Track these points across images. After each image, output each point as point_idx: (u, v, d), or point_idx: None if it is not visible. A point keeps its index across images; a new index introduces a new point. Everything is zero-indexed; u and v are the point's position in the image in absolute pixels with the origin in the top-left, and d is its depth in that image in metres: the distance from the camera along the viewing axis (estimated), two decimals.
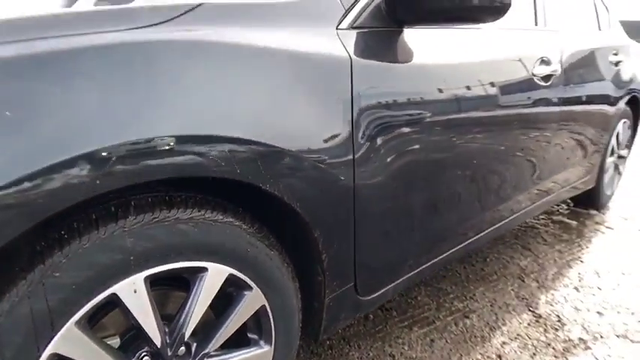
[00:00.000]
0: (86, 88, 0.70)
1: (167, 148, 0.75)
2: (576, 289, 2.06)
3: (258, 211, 1.00)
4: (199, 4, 0.92)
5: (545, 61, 1.83)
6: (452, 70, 1.38)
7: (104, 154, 0.68)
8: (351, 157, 1.07)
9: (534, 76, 1.75)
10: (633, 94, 2.86)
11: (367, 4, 1.19)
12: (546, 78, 1.83)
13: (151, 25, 0.82)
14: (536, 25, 1.96)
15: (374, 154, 1.14)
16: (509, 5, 1.19)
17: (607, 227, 2.79)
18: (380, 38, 1.21)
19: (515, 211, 1.98)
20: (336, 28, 1.11)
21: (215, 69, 0.85)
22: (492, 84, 1.54)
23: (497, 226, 1.87)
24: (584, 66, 2.19)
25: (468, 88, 1.43)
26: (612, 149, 2.88)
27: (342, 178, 1.07)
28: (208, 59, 0.84)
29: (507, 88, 1.61)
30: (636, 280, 2.17)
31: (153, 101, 0.74)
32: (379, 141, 1.15)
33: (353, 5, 1.16)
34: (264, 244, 0.98)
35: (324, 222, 1.06)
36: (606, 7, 2.88)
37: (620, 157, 3.05)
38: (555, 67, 1.87)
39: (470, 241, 1.72)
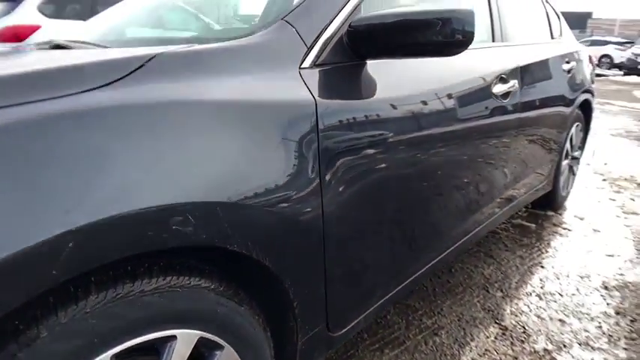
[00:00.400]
0: (20, 170, 0.64)
1: (121, 226, 0.70)
2: (539, 296, 2.12)
3: (225, 267, 0.97)
4: (153, 57, 0.87)
5: (503, 79, 1.85)
6: (415, 97, 1.38)
7: (53, 244, 0.63)
8: (319, 202, 1.05)
9: (493, 94, 1.77)
10: (584, 98, 2.96)
11: (329, 39, 1.17)
12: (505, 95, 1.86)
13: (95, 89, 0.77)
14: (493, 40, 1.99)
15: (342, 195, 1.12)
16: (471, 39, 1.19)
17: (564, 228, 2.89)
18: (343, 73, 1.19)
19: (482, 222, 2.02)
20: (299, 68, 1.09)
21: (172, 132, 0.80)
22: (455, 107, 1.55)
23: (465, 239, 1.90)
24: (539, 78, 2.24)
25: (431, 114, 1.44)
26: (567, 152, 2.97)
27: (311, 224, 1.05)
28: (164, 123, 0.80)
29: (469, 111, 1.63)
30: (593, 283, 2.25)
31: (101, 180, 0.70)
32: (347, 181, 1.13)
33: (315, 42, 1.14)
34: (234, 301, 0.95)
35: (294, 271, 1.03)
36: (557, 15, 2.96)
37: (573, 158, 3.16)
38: (513, 84, 1.91)
39: (440, 257, 1.74)
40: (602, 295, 2.15)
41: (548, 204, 3.05)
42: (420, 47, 1.19)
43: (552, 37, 2.77)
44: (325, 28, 1.17)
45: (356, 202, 1.19)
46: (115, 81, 0.79)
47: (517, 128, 2.03)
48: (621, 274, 2.35)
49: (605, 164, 4.39)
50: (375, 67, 1.27)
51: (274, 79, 1.02)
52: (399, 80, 1.35)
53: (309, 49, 1.12)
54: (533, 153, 2.33)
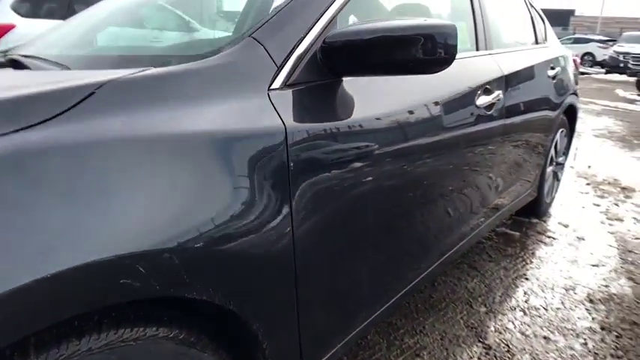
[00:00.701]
0: None
1: (70, 283, 0.62)
2: (523, 311, 2.07)
3: (186, 312, 0.88)
4: (101, 85, 0.79)
5: (487, 90, 1.79)
6: (395, 115, 1.31)
7: None
8: (289, 238, 0.97)
9: (477, 107, 1.70)
10: (569, 103, 2.92)
11: (301, 56, 1.09)
12: (489, 107, 1.79)
13: (26, 128, 0.68)
14: (477, 49, 1.92)
15: (315, 227, 1.04)
16: (454, 56, 1.12)
17: (549, 237, 2.85)
18: (318, 92, 1.12)
19: (468, 234, 1.96)
20: (268, 89, 1.00)
21: (116, 175, 0.71)
22: (438, 124, 1.48)
23: (451, 252, 1.84)
24: (524, 86, 2.18)
25: (413, 131, 1.37)
26: (551, 158, 2.93)
27: (281, 261, 0.97)
28: (115, 164, 0.71)
29: (452, 127, 1.56)
30: (578, 296, 2.21)
31: (29, 239, 0.61)
32: (320, 210, 1.06)
33: (286, 60, 1.06)
34: (196, 348, 0.87)
35: (263, 312, 0.96)
36: (542, 19, 2.91)
37: (558, 164, 3.12)
38: (497, 94, 1.84)
39: (424, 274, 1.68)
40: (587, 309, 2.10)
41: (532, 211, 3.01)
42: (400, 65, 1.12)
43: (537, 42, 2.72)
44: (297, 45, 1.08)
45: (331, 233, 1.11)
46: (54, 117, 0.70)
47: (502, 139, 1.98)
48: (606, 286, 2.31)
49: (589, 167, 4.38)
50: (352, 83, 1.19)
51: (240, 105, 0.94)
52: (378, 96, 1.28)
53: (280, 68, 1.04)
54: (518, 162, 2.28)
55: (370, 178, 1.20)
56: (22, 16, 4.88)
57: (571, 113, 3.07)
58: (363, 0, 2.36)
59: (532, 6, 2.78)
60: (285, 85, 1.04)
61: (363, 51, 1.09)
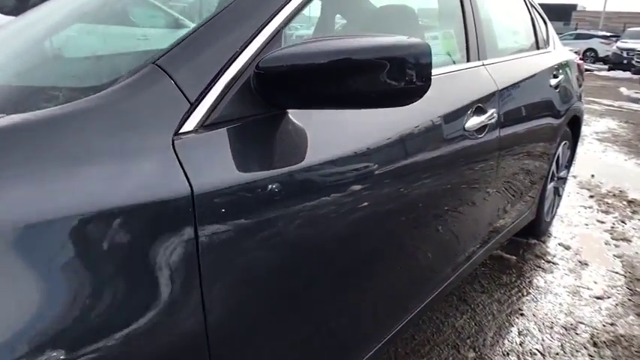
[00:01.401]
0: None
1: None
2: (518, 357, 1.82)
3: None
4: None
5: (479, 109, 1.52)
6: (360, 155, 1.04)
7: None
8: (202, 328, 0.72)
9: (466, 131, 1.44)
10: (573, 114, 2.66)
11: (228, 86, 0.83)
12: (481, 129, 1.53)
13: None
14: (468, 60, 1.66)
15: (232, 315, 0.79)
16: (429, 83, 0.85)
17: (548, 261, 2.59)
18: (251, 131, 0.86)
19: (458, 269, 1.72)
20: (174, 136, 0.74)
21: None
22: (418, 157, 1.23)
23: (441, 288, 1.61)
24: (522, 100, 1.92)
25: (385, 172, 1.11)
26: (552, 174, 2.67)
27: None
28: None
29: (435, 161, 1.30)
30: (581, 337, 1.95)
31: None
32: (243, 302, 0.80)
33: (204, 93, 0.80)
34: None
35: None
36: (544, 20, 2.64)
37: (559, 179, 2.86)
38: (491, 113, 1.58)
39: (412, 315, 1.44)
40: (590, 355, 1.85)
41: (531, 231, 2.75)
42: (359, 98, 0.86)
43: (538, 48, 2.45)
44: (221, 72, 0.82)
45: (257, 327, 0.86)
46: None
47: (496, 163, 1.71)
48: (612, 324, 2.05)
49: (593, 176, 4.11)
50: (302, 114, 0.93)
51: (131, 162, 0.68)
52: (337, 130, 1.01)
53: (195, 104, 0.78)
54: (514, 185, 2.02)
55: (319, 249, 0.95)
56: None
57: (575, 124, 2.80)
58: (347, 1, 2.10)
59: (533, 6, 2.50)
60: (203, 126, 0.79)
61: (307, 80, 0.83)
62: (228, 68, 0.83)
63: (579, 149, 4.75)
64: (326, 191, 0.96)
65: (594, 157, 4.82)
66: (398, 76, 0.82)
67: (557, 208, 3.01)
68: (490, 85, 1.65)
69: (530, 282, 2.38)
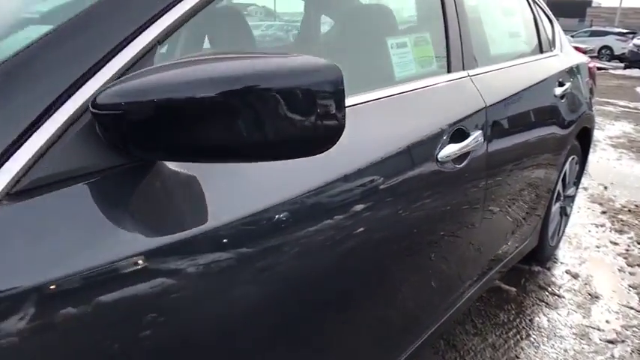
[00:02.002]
0: None
1: None
2: None
3: None
4: None
5: (460, 132, 1.22)
6: (283, 207, 0.76)
7: None
8: None
9: (439, 162, 1.14)
10: (582, 126, 2.34)
11: (63, 130, 0.56)
12: (461, 158, 1.23)
13: None
14: (449, 70, 1.35)
15: None
16: (342, 124, 0.57)
17: (552, 293, 2.28)
18: (97, 191, 0.58)
19: (450, 309, 1.45)
20: None
21: None
22: (368, 198, 0.93)
23: (428, 334, 1.33)
24: (520, 118, 1.61)
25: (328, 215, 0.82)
26: (558, 194, 2.35)
27: None
28: None
29: (392, 208, 1.01)
30: None
31: None
32: None
33: (15, 147, 0.53)
34: None
35: None
36: (550, 19, 2.32)
37: (567, 197, 2.54)
38: (475, 137, 1.27)
39: None
40: None
41: (534, 256, 2.44)
42: (249, 149, 0.58)
43: (542, 51, 2.13)
44: (47, 114, 0.55)
45: None
46: None
47: (483, 194, 1.41)
48: None
49: (606, 188, 3.77)
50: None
51: None
52: (236, 183, 0.73)
53: None
54: (509, 213, 1.72)
55: None
56: None
57: (584, 135, 2.48)
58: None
59: (536, 3, 2.18)
60: (10, 194, 0.51)
61: (157, 125, 0.55)
62: (58, 106, 0.55)
63: (591, 157, 4.41)
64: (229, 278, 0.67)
65: (608, 166, 4.47)
66: (293, 114, 0.54)
67: (564, 229, 2.69)
68: (476, 100, 1.35)
69: (531, 321, 2.07)
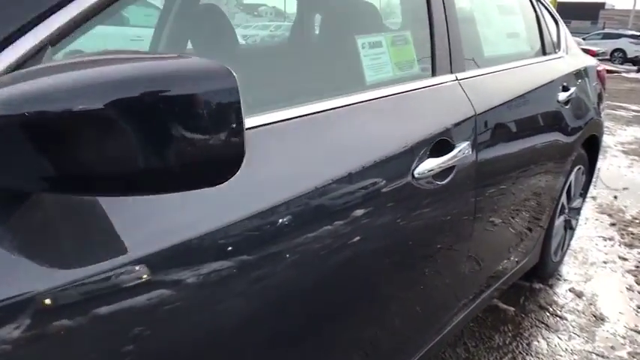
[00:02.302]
0: None
1: None
2: None
3: None
4: None
5: (444, 144, 1.08)
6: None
7: None
8: None
9: (415, 179, 0.99)
10: (589, 133, 2.17)
11: None
12: (443, 174, 1.08)
13: None
14: (434, 74, 1.20)
15: None
16: (240, 154, 0.42)
17: (554, 314, 2.11)
18: None
19: (442, 330, 1.33)
20: None
21: None
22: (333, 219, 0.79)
23: (420, 354, 1.19)
24: (516, 126, 1.45)
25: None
26: (562, 207, 2.19)
27: None
28: None
29: (361, 219, 0.87)
30: None
31: None
32: None
33: None
34: None
35: None
36: (555, 19, 2.16)
37: (572, 209, 2.37)
38: (461, 149, 1.12)
39: None
40: None
41: (535, 273, 2.27)
42: (126, 181, 0.44)
43: (545, 53, 1.97)
44: None
45: None
46: None
47: (472, 212, 1.26)
48: None
49: (615, 198, 3.59)
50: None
51: None
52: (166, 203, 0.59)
53: None
54: (506, 231, 1.57)
55: None
56: None
57: (592, 143, 2.31)
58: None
59: (539, 1, 2.02)
60: None
61: (27, 147, 0.41)
62: None
63: (600, 163, 4.22)
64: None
65: (618, 174, 4.28)
66: (178, 132, 0.39)
67: (569, 243, 2.52)
68: (464, 108, 1.19)
69: (529, 345, 1.90)
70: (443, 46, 1.22)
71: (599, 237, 2.92)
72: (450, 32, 1.25)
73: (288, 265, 0.75)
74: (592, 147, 2.35)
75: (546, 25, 2.02)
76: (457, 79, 1.24)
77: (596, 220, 3.18)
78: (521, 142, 1.49)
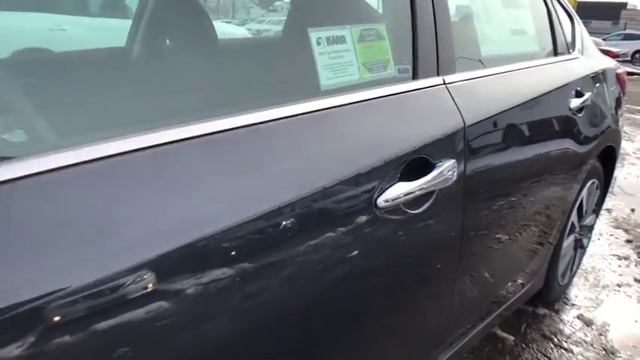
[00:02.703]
0: None
1: None
2: None
3: None
4: None
5: (421, 163, 0.87)
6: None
7: None
8: None
9: (379, 209, 0.79)
10: (606, 144, 1.95)
11: None
12: (418, 200, 0.87)
13: None
14: (415, 77, 0.99)
15: None
16: None
17: (558, 346, 1.89)
18: None
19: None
20: None
21: None
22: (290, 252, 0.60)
23: None
24: (517, 140, 1.24)
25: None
26: (572, 226, 1.96)
27: None
28: None
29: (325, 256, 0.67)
30: None
31: None
32: None
33: None
34: None
35: None
36: (570, 15, 1.92)
37: (583, 227, 2.15)
38: (444, 169, 0.91)
39: None
40: None
41: (539, 295, 2.05)
42: None
43: (557, 54, 1.74)
44: None
45: None
46: None
47: (459, 241, 1.06)
48: None
49: (633, 211, 3.33)
50: None
51: None
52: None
53: None
54: (503, 257, 1.36)
55: None
56: None
57: (608, 155, 2.09)
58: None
59: None
60: None
61: None
62: None
63: (617, 172, 3.96)
64: None
65: (637, 184, 4.01)
66: None
67: (579, 263, 2.30)
68: (451, 118, 0.99)
69: None
70: (428, 43, 1.01)
71: (614, 255, 2.68)
72: (438, 25, 1.04)
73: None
74: (608, 158, 2.12)
75: (559, 21, 1.79)
76: (445, 83, 1.03)
77: (611, 235, 2.94)
78: (523, 160, 1.27)
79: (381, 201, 0.79)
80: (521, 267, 1.55)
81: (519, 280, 1.60)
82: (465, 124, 1.00)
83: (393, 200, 0.80)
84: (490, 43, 1.36)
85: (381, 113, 0.87)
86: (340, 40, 0.84)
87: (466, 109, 1.02)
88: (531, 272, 1.66)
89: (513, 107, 1.19)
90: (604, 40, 17.03)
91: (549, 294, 2.04)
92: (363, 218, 0.76)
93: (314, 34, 0.80)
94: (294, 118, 0.71)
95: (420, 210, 0.87)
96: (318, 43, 0.81)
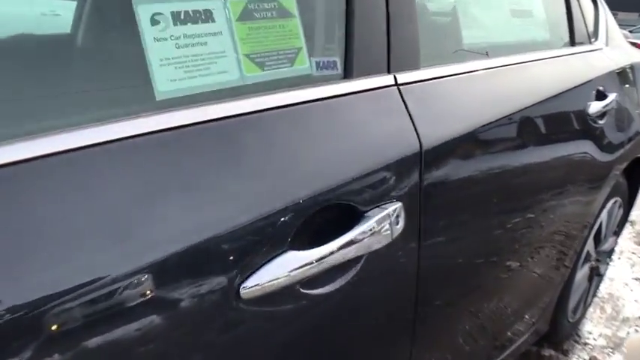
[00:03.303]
0: None
1: None
2: None
3: None
4: None
5: (345, 211, 0.55)
6: None
7: None
8: None
9: (242, 303, 0.46)
10: (634, 156, 1.60)
11: None
12: (332, 274, 0.54)
13: None
14: (347, 76, 0.66)
15: None
16: None
17: None
18: None
19: None
20: None
21: None
22: None
23: None
24: (504, 175, 0.90)
25: None
26: (587, 254, 1.62)
27: None
28: None
29: None
30: None
31: None
32: None
33: None
34: None
35: None
36: (595, 2, 1.56)
37: (601, 253, 1.80)
38: (377, 220, 0.58)
39: None
40: None
41: (544, 335, 1.72)
42: None
43: (574, 43, 1.38)
44: None
45: None
46: None
47: (414, 316, 0.73)
48: None
49: None
50: None
51: None
52: None
53: None
54: (493, 307, 1.03)
55: None
56: None
57: (635, 168, 1.73)
58: None
59: None
60: None
61: None
62: None
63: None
64: None
65: None
66: None
67: (594, 293, 1.95)
68: (400, 136, 0.66)
69: None
70: (372, 26, 0.68)
71: (636, 280, 2.31)
72: (389, 3, 0.70)
73: None
74: (634, 170, 1.76)
75: (580, 6, 1.43)
76: (397, 84, 0.70)
77: (633, 254, 2.57)
78: (514, 198, 0.93)
79: (247, 285, 0.47)
80: (528, 304, 1.23)
81: (523, 324, 1.27)
82: (421, 146, 0.67)
83: (270, 282, 0.48)
84: (478, 27, 1.01)
85: (273, 134, 0.54)
86: (202, 18, 0.51)
87: (426, 123, 0.69)
88: (537, 313, 1.33)
89: (502, 118, 0.85)
90: (630, 32, 16.28)
91: (557, 334, 1.70)
92: (222, 313, 0.45)
93: (144, 8, 0.47)
94: (100, 147, 0.40)
95: (330, 288, 0.55)
96: (154, 23, 0.48)
